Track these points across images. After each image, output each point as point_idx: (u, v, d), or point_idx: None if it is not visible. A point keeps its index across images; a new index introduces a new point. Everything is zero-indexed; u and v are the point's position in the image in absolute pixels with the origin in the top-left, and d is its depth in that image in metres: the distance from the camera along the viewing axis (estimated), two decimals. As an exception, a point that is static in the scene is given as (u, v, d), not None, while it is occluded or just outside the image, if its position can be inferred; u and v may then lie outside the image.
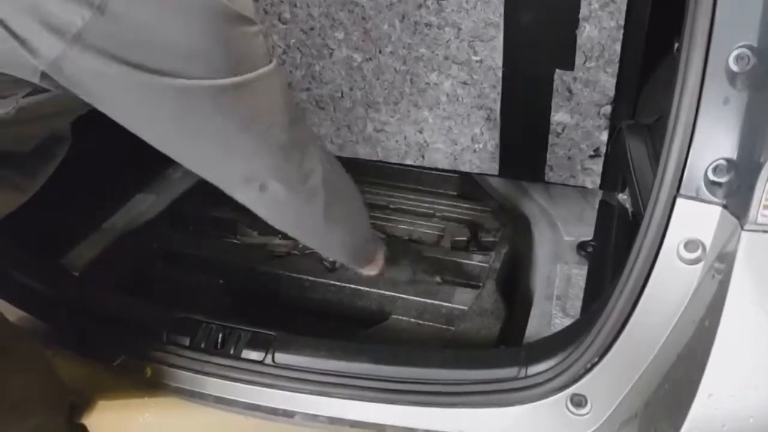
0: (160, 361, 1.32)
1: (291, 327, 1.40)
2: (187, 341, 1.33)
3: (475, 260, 1.72)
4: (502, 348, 1.42)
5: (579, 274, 1.64)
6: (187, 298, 1.60)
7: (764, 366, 0.91)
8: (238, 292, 1.68)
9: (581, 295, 1.56)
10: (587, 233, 1.76)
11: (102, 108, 0.85)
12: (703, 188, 0.95)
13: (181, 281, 1.69)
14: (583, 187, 1.90)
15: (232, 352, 1.30)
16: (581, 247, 1.72)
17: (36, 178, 1.05)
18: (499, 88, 1.75)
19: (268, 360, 1.29)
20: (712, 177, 0.94)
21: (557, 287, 1.60)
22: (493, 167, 1.94)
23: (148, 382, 1.31)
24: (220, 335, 1.32)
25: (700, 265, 0.97)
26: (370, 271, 1.48)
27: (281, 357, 1.29)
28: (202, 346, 1.31)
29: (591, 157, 1.82)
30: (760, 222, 0.90)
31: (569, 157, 1.83)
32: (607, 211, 1.79)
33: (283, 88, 0.96)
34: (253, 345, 1.31)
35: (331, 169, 1.11)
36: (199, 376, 1.30)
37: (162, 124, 0.86)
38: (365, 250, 1.39)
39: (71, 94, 0.82)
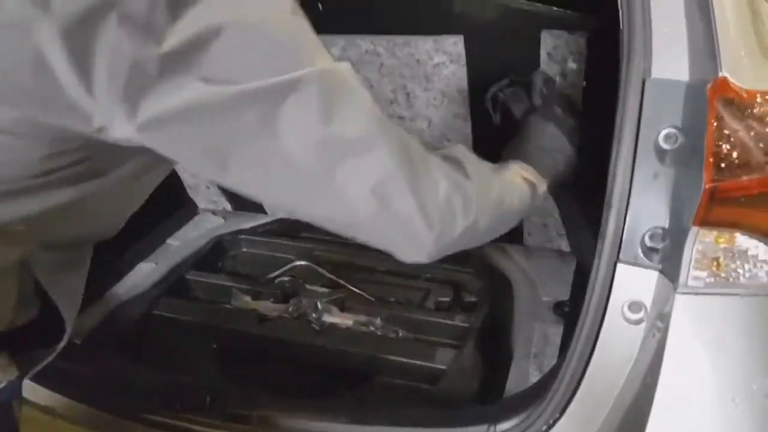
0: (150, 423, 1.39)
1: (279, 388, 1.47)
2: (176, 403, 1.40)
3: (457, 320, 1.79)
4: (473, 406, 1.48)
5: (555, 333, 1.71)
6: (181, 361, 1.67)
7: (697, 419, 0.97)
8: (230, 354, 1.76)
9: (557, 353, 1.63)
10: (564, 293, 1.84)
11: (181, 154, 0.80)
12: (641, 254, 1.04)
13: (175, 346, 1.77)
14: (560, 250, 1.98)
15: (219, 413, 1.37)
16: (558, 307, 1.79)
17: None
18: None
19: (254, 420, 1.36)
20: (649, 243, 1.03)
21: (535, 345, 1.67)
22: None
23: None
24: (208, 398, 1.39)
25: (643, 325, 1.05)
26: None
27: (265, 416, 1.36)
28: (191, 407, 1.39)
29: (565, 223, 1.91)
30: (690, 285, 0.99)
31: (544, 224, 1.92)
32: (582, 273, 1.87)
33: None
34: (239, 406, 1.38)
35: (456, 176, 0.94)
36: (187, 437, 1.37)
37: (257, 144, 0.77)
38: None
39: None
